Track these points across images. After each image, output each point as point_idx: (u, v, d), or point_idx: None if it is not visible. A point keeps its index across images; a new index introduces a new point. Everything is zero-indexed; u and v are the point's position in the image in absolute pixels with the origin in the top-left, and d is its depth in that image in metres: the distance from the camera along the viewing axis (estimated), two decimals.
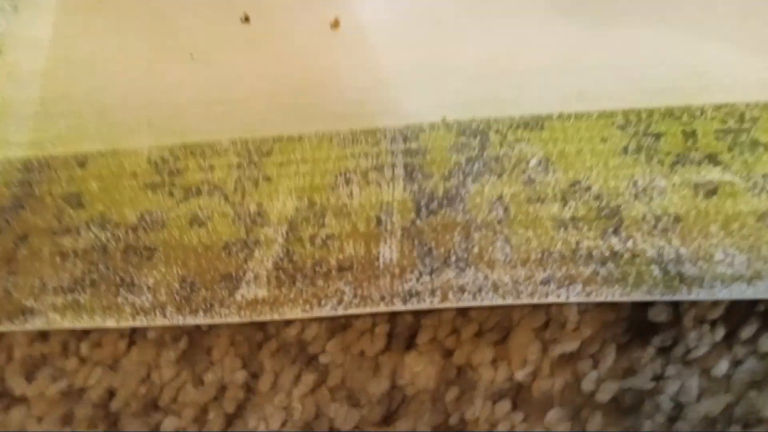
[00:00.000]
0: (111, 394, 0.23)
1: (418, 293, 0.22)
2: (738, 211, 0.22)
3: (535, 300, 0.22)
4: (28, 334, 0.24)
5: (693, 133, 0.24)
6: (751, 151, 0.23)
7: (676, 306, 0.22)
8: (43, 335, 0.24)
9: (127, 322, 0.23)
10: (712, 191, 0.23)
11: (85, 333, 0.24)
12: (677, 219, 0.22)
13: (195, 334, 0.23)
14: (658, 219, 0.22)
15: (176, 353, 0.23)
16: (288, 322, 0.23)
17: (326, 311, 0.22)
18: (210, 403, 0.22)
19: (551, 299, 0.22)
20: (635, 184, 0.23)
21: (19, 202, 0.26)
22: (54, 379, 0.23)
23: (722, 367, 0.21)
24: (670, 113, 0.24)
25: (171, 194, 0.25)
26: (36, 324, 0.24)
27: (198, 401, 0.22)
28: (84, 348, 0.23)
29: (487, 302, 0.22)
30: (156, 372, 0.23)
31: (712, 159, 0.23)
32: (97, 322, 0.23)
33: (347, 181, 0.25)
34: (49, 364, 0.23)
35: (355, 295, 0.23)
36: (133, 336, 0.24)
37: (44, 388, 0.23)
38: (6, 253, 0.25)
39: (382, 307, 0.22)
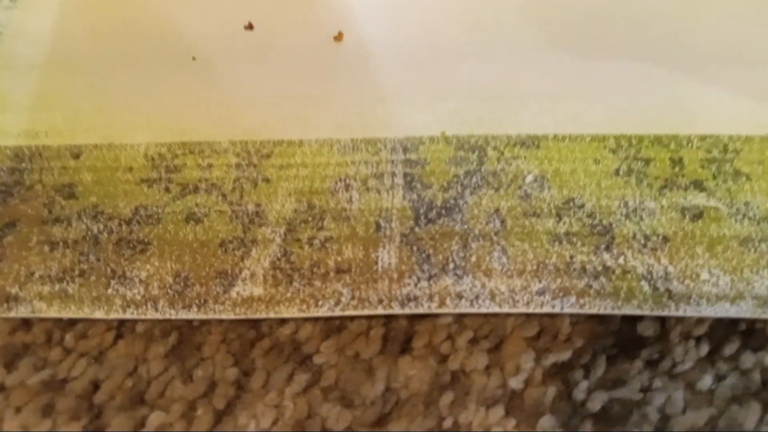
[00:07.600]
0: (95, 386, 0.22)
1: (416, 298, 0.22)
2: (722, 235, 0.23)
3: (531, 309, 0.22)
4: (10, 322, 0.23)
5: (680, 161, 0.25)
6: (734, 180, 0.24)
7: (663, 321, 0.22)
8: (27, 324, 0.23)
9: (117, 314, 0.23)
10: (697, 215, 0.24)
11: (71, 324, 0.23)
12: (665, 239, 0.23)
13: (186, 329, 0.23)
14: (647, 238, 0.23)
15: (165, 348, 0.23)
16: (282, 322, 0.23)
17: (323, 312, 0.22)
18: (199, 400, 0.22)
19: (546, 309, 0.22)
20: (626, 204, 0.24)
21: (7, 190, 0.25)
22: (36, 368, 0.22)
23: (706, 381, 0.22)
24: (658, 141, 0.25)
25: (167, 190, 0.25)
26: (20, 312, 0.23)
27: (186, 397, 0.22)
28: (69, 339, 0.23)
29: (483, 310, 0.22)
30: (143, 366, 0.22)
31: (698, 185, 0.24)
32: (86, 312, 0.23)
33: (347, 187, 0.25)
34: (31, 354, 0.23)
35: (353, 297, 0.23)
36: (121, 329, 0.23)
37: (25, 377, 0.22)
38: None
39: (380, 310, 0.22)
